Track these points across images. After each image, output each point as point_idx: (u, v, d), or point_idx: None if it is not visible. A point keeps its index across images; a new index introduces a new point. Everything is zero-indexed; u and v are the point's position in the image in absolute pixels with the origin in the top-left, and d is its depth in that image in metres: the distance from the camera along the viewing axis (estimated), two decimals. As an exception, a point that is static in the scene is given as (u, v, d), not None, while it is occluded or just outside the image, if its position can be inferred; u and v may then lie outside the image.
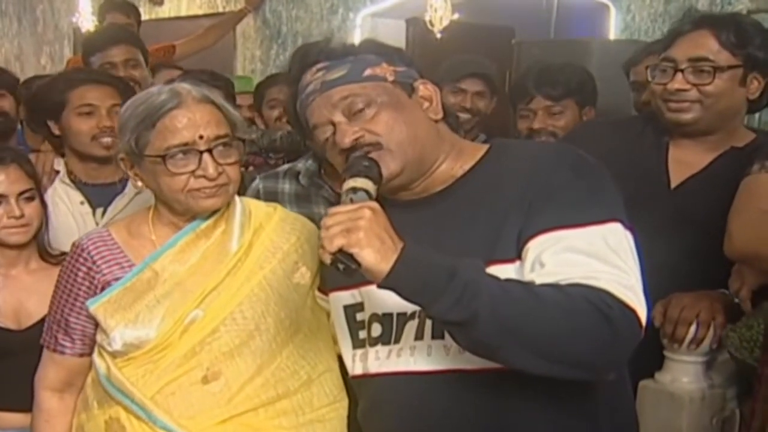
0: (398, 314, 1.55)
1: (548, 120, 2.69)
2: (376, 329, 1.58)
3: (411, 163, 1.52)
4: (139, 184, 1.75)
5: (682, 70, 2.03)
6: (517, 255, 1.45)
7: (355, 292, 1.62)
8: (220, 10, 6.15)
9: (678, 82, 2.03)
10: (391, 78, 1.54)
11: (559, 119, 2.69)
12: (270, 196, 2.31)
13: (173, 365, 1.71)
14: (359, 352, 1.63)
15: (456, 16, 4.57)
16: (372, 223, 1.29)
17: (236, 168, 1.73)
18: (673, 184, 2.09)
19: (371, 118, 1.50)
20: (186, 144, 1.66)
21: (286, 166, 2.46)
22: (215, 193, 1.70)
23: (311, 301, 1.81)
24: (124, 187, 2.46)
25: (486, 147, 1.61)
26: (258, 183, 2.41)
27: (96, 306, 1.74)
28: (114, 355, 1.74)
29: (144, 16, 4.91)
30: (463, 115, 3.02)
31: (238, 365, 1.71)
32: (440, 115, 1.58)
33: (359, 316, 1.63)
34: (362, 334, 1.62)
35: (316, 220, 2.20)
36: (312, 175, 2.35)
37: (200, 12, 6.39)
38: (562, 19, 4.56)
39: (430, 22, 4.55)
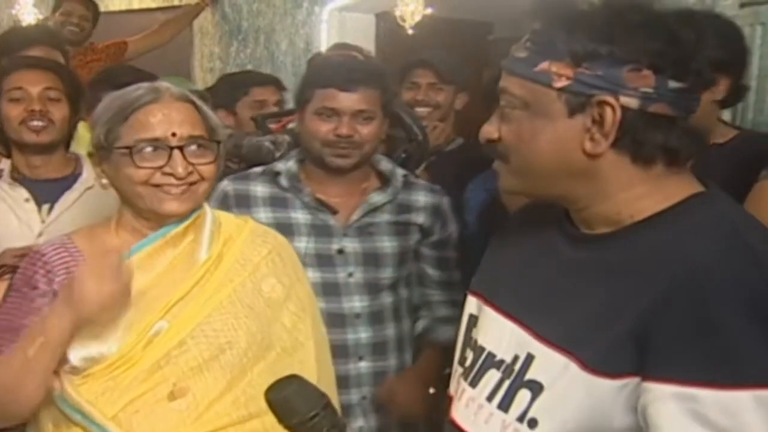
0: (488, 353, 1.47)
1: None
2: (469, 355, 1.54)
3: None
4: (104, 182, 1.81)
5: None
6: (616, 372, 1.24)
7: (480, 304, 1.56)
8: (176, 3, 6.15)
9: None
10: None
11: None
12: (241, 200, 2.38)
13: (137, 381, 1.72)
14: (459, 370, 1.56)
15: (429, 10, 4.57)
16: None
17: (211, 168, 1.79)
18: None
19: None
20: (157, 139, 1.74)
21: (259, 169, 2.49)
22: (181, 194, 1.76)
23: (289, 320, 1.88)
24: (73, 182, 2.57)
25: (686, 195, 1.33)
26: (227, 185, 2.42)
27: None
28: (72, 371, 1.73)
29: (91, 9, 4.88)
30: (421, 110, 3.19)
31: (206, 381, 1.74)
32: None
33: (474, 333, 1.56)
34: (468, 353, 1.55)
35: (292, 225, 2.28)
36: (292, 177, 2.40)
37: (154, 5, 6.37)
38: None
39: (401, 17, 4.56)
